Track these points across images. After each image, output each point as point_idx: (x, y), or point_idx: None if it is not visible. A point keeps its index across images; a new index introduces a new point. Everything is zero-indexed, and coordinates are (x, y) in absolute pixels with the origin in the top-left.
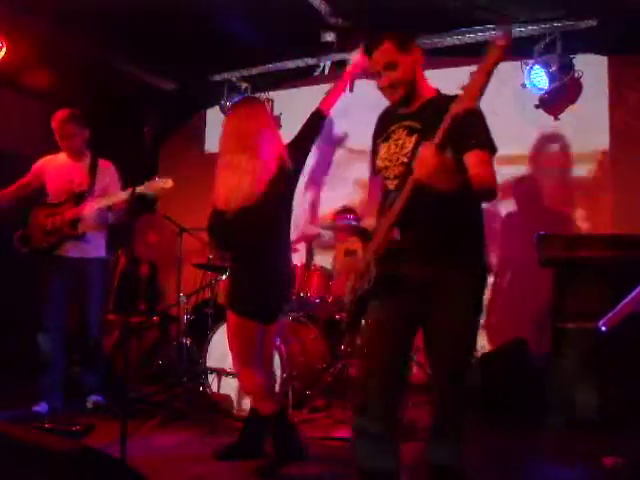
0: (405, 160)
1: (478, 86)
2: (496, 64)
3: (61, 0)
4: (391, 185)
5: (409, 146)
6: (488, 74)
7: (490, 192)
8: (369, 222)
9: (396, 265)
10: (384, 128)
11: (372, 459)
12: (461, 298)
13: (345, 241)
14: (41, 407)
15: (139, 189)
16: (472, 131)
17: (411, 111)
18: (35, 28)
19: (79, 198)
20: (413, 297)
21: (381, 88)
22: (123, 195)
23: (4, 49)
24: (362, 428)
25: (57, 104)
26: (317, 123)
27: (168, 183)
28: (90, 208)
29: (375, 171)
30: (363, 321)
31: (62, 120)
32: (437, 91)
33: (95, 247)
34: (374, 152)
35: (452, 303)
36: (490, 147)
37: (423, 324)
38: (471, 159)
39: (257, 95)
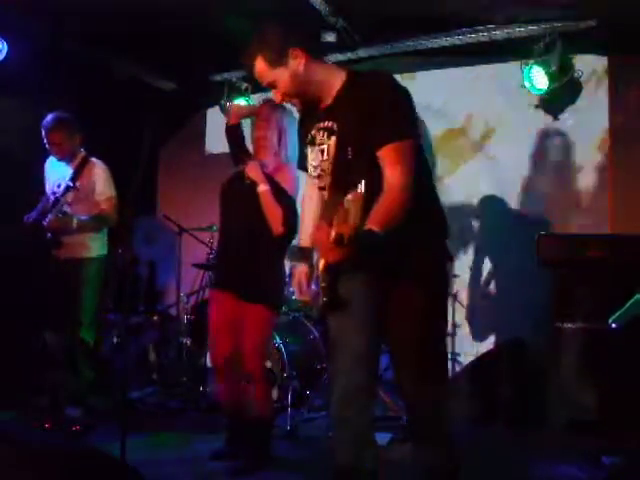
0: (332, 168)
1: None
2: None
3: (61, 0)
4: (326, 196)
5: (332, 151)
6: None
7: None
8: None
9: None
10: (308, 129)
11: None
12: (411, 286)
13: None
14: (43, 402)
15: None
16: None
17: (325, 108)
18: (35, 28)
19: (55, 205)
20: (373, 294)
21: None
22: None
23: (4, 49)
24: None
25: (56, 104)
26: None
27: None
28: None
29: (310, 174)
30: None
31: (48, 129)
32: (347, 74)
33: (85, 248)
34: (303, 152)
35: (403, 292)
36: (403, 135)
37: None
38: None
39: (257, 95)
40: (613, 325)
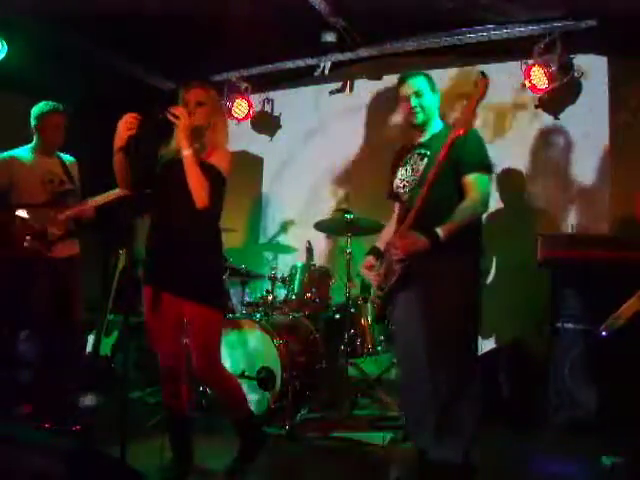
0: (417, 179)
1: (470, 113)
2: (483, 97)
3: (61, 0)
4: (406, 197)
5: (421, 168)
6: (477, 103)
7: (482, 212)
8: (382, 242)
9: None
10: (402, 157)
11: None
12: (443, 283)
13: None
14: (26, 408)
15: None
16: (469, 156)
17: (423, 141)
18: (35, 28)
19: (64, 197)
20: (417, 286)
21: (408, 112)
22: (112, 196)
23: (4, 49)
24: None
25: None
26: None
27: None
28: (87, 207)
29: (392, 194)
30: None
31: (53, 110)
32: (444, 126)
33: (76, 245)
34: (393, 178)
35: (434, 287)
36: (486, 169)
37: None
38: (467, 182)
39: (257, 95)
40: (603, 333)
